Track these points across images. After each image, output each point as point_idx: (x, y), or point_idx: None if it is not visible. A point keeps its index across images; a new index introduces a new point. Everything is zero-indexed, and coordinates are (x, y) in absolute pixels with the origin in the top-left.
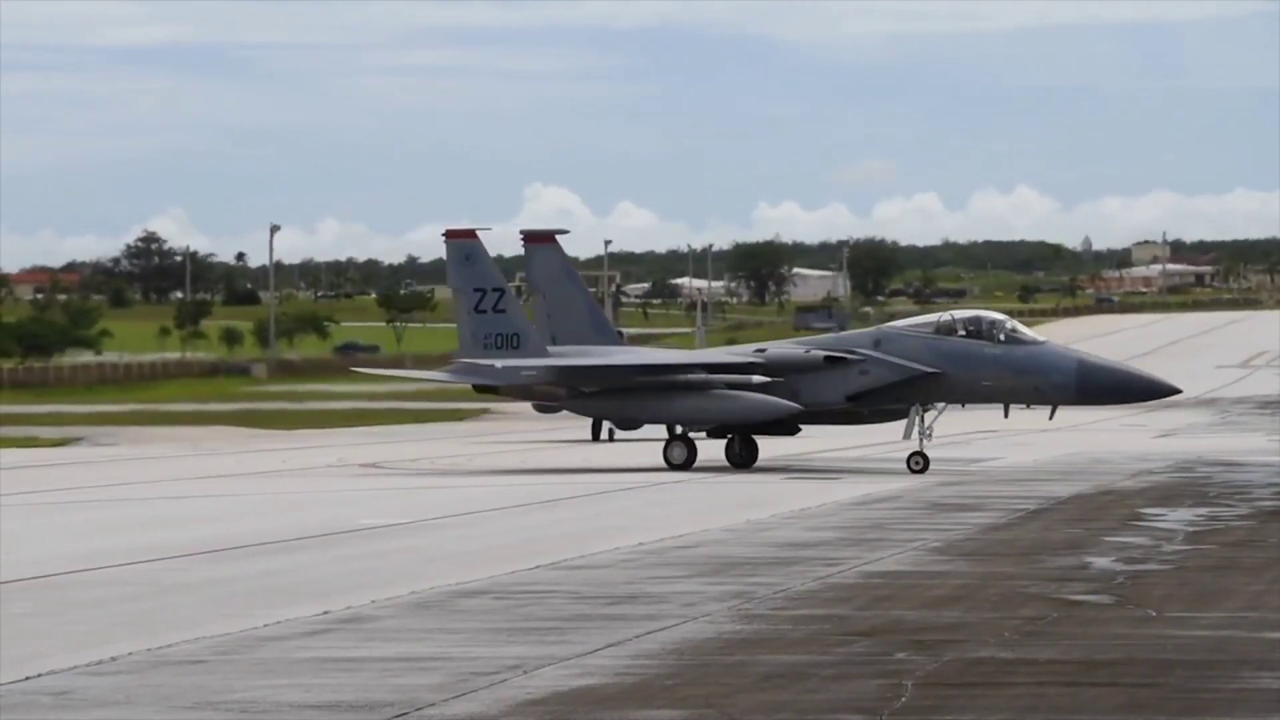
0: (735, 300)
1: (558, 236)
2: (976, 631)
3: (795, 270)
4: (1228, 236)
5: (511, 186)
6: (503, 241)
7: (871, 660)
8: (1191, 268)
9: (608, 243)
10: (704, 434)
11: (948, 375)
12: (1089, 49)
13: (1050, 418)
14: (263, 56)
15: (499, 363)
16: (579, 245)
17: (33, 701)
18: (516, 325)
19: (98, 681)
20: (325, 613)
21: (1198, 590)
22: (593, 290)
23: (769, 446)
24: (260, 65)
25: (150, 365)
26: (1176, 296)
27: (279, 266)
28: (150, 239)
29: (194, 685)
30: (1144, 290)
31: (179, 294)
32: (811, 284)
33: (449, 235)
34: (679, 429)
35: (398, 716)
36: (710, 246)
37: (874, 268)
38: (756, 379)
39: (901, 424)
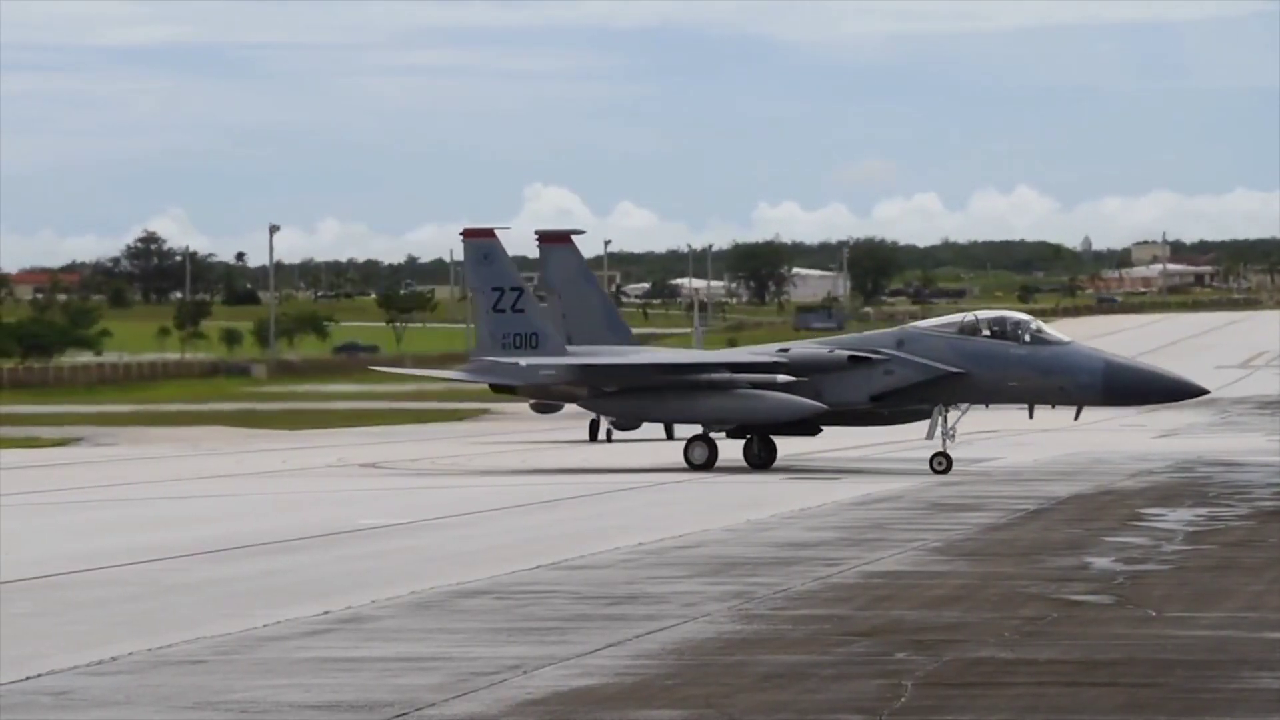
0: (735, 300)
1: (574, 236)
2: (976, 631)
3: (795, 270)
4: (1228, 236)
5: (511, 186)
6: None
7: (871, 660)
8: (1191, 268)
9: (607, 243)
10: (724, 434)
11: (972, 375)
12: (1089, 49)
13: (1075, 418)
14: (263, 56)
15: (523, 361)
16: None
17: (33, 701)
18: (535, 324)
19: (98, 681)
20: (325, 613)
21: (1198, 590)
22: None
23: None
24: (260, 65)
25: (150, 365)
26: (1176, 296)
27: (279, 267)
28: (150, 239)
29: (194, 685)
30: (1144, 290)
31: (179, 294)
32: (811, 284)
33: (466, 235)
34: (700, 428)
35: (398, 716)
36: (710, 246)
37: (874, 268)
38: (782, 378)
39: (918, 425)
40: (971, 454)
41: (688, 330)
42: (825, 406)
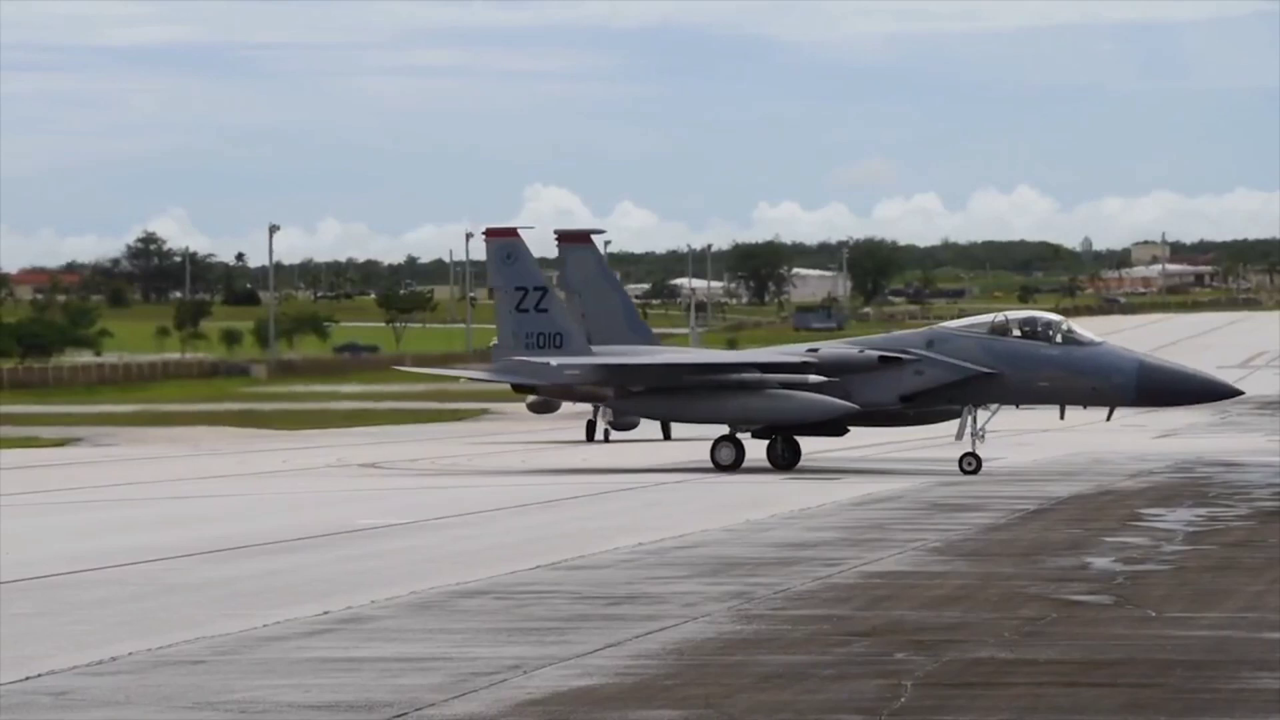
0: (735, 301)
1: (594, 236)
2: (976, 631)
3: (795, 270)
4: (1228, 236)
5: (511, 186)
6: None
7: (871, 660)
8: (1191, 268)
9: (607, 243)
10: (749, 433)
11: (1004, 376)
12: (1089, 49)
13: (1108, 418)
14: (263, 56)
15: (554, 361)
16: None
17: (33, 701)
18: (559, 324)
19: (98, 681)
20: (325, 613)
21: (1197, 590)
22: None
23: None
24: (260, 65)
25: (150, 365)
26: (1176, 297)
27: (279, 267)
28: (150, 239)
29: (194, 685)
30: (1143, 290)
31: (179, 294)
32: (811, 284)
33: (489, 234)
34: (727, 429)
35: (398, 716)
36: (710, 247)
37: (874, 268)
38: (814, 379)
39: (943, 425)
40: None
41: (686, 330)
42: (856, 407)
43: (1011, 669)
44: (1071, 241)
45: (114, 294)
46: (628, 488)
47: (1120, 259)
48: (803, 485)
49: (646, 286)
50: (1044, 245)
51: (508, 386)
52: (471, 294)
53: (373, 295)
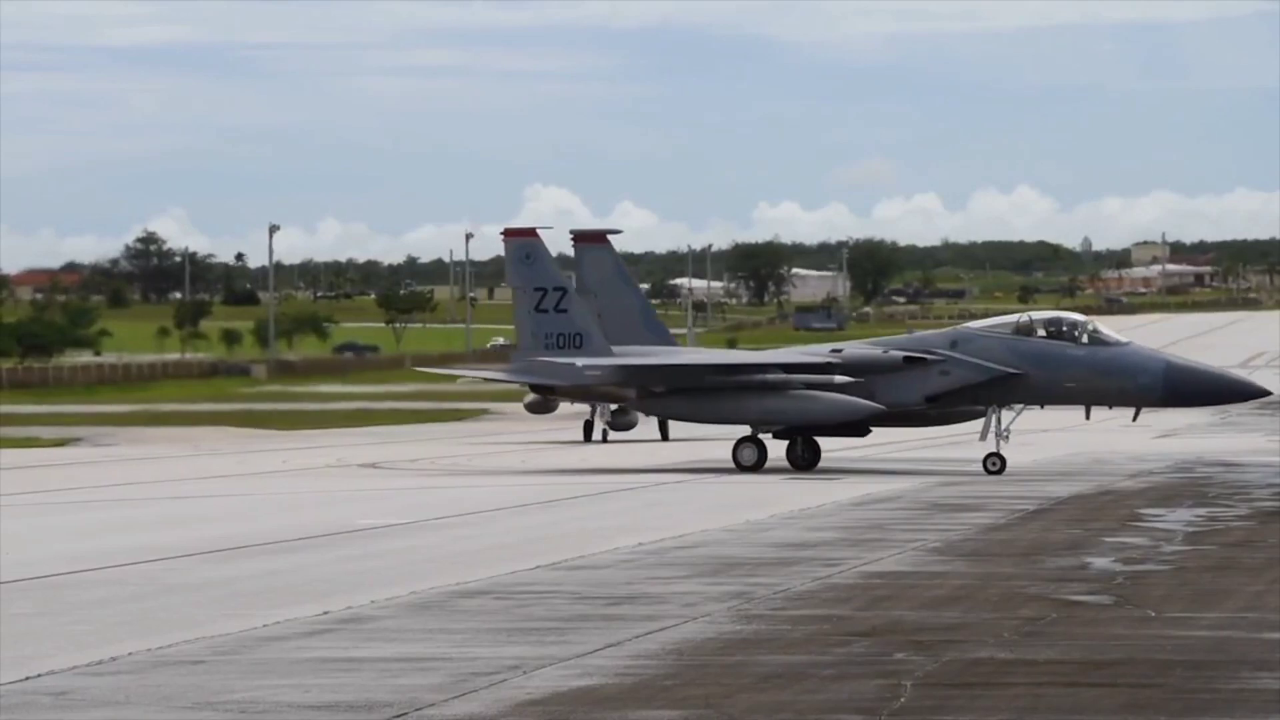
0: (735, 301)
1: (610, 236)
2: (976, 632)
3: (795, 270)
4: (1228, 236)
5: (511, 186)
6: (501, 243)
7: (871, 660)
8: (1191, 268)
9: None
10: (770, 434)
11: (1030, 376)
12: (1090, 49)
13: (1134, 419)
14: (263, 56)
15: (579, 361)
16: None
17: (33, 701)
18: (579, 325)
19: (98, 681)
20: (325, 613)
21: (1197, 590)
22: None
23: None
24: (260, 65)
25: (149, 366)
26: (1176, 297)
27: (278, 267)
28: (150, 239)
29: (194, 685)
30: (1143, 291)
31: (178, 294)
32: (811, 284)
33: (507, 234)
34: (749, 430)
35: (398, 716)
36: (710, 247)
37: (873, 268)
38: (839, 379)
39: (945, 425)
40: (971, 454)
41: (683, 330)
42: (882, 407)
43: (1011, 669)
44: (1071, 241)
45: (114, 294)
46: (628, 488)
47: (1120, 259)
48: (803, 485)
49: (646, 286)
50: (1044, 245)
51: (515, 387)
52: (471, 294)
53: (373, 295)
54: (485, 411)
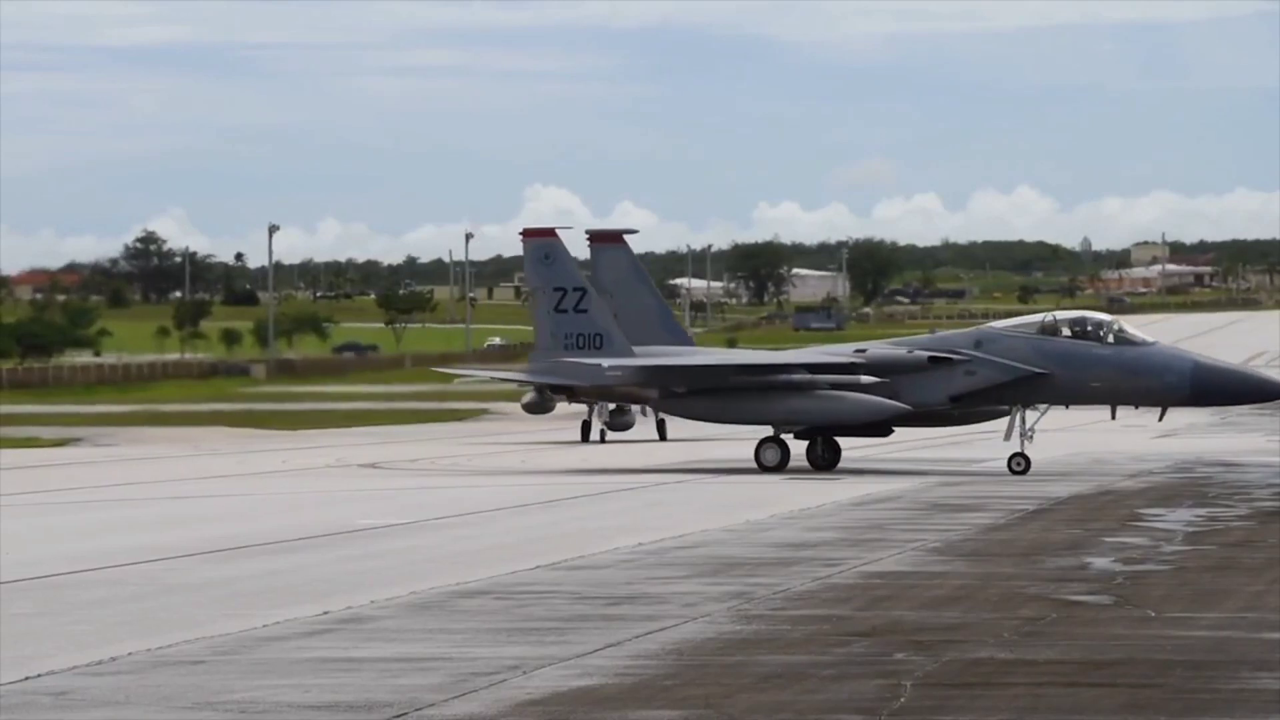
0: (735, 301)
1: (626, 236)
2: (976, 632)
3: (794, 271)
4: (1228, 236)
5: (511, 186)
6: (501, 243)
7: (871, 661)
8: (1191, 268)
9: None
10: (791, 434)
11: (1055, 376)
12: (1090, 49)
13: (1160, 419)
14: (263, 56)
15: (606, 362)
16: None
17: (33, 701)
18: (599, 325)
19: (98, 681)
20: (325, 613)
21: (1197, 590)
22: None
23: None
24: (260, 65)
25: (149, 366)
26: (1175, 297)
27: (278, 267)
28: (149, 239)
29: (194, 685)
30: (1143, 290)
31: (178, 294)
32: (811, 284)
33: (526, 234)
34: (772, 430)
35: (398, 716)
36: (710, 247)
37: (873, 268)
38: (865, 379)
39: (982, 423)
40: (971, 454)
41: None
42: (908, 407)
43: (1011, 669)
44: (1071, 241)
45: (114, 294)
46: (628, 488)
47: (1120, 259)
48: (803, 485)
49: None
50: (1044, 245)
51: (514, 387)
52: (471, 294)
53: (372, 295)
54: (485, 411)
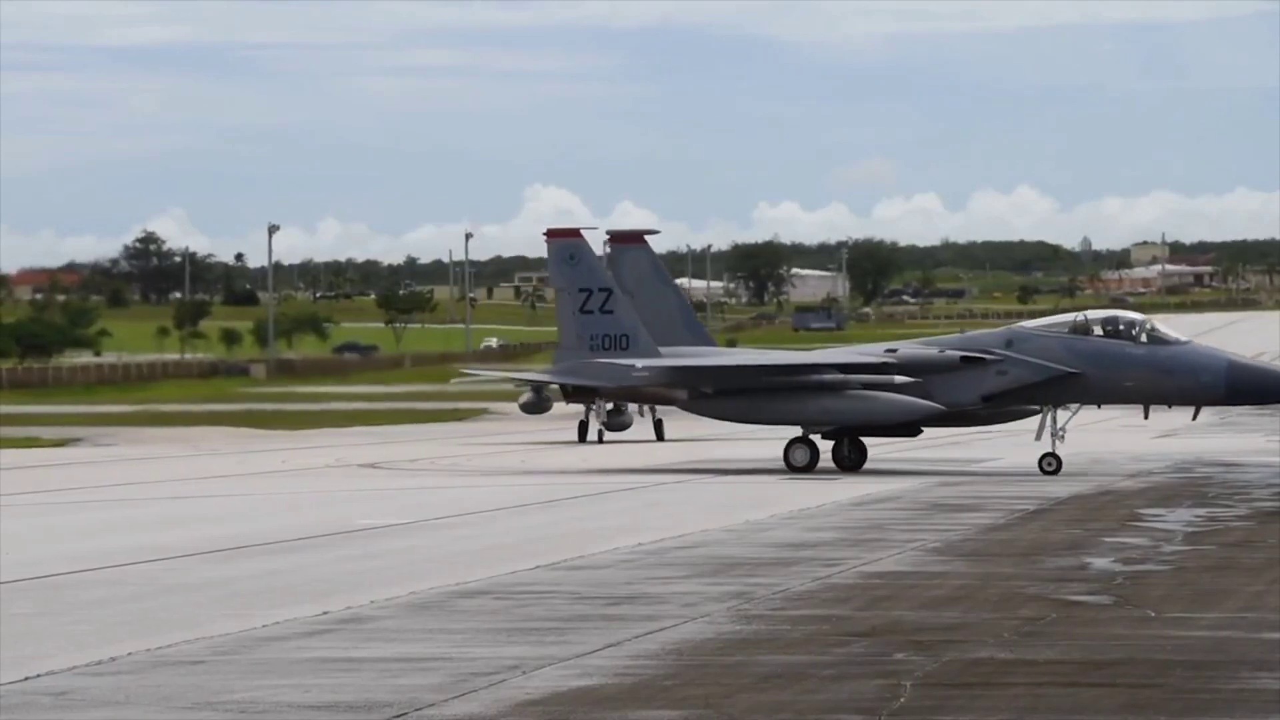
0: (734, 301)
1: (647, 237)
2: (976, 632)
3: (794, 271)
4: (1228, 237)
5: (511, 186)
6: (500, 243)
7: (870, 661)
8: (1190, 268)
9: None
10: (819, 435)
11: (1088, 376)
12: (1090, 49)
13: (1194, 418)
14: (263, 56)
15: (639, 363)
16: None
17: (33, 701)
18: (625, 325)
19: (98, 681)
20: (325, 613)
21: (1197, 590)
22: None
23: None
24: (260, 65)
25: (149, 366)
26: (1175, 297)
27: (278, 267)
28: (149, 239)
29: (194, 685)
30: (1143, 291)
31: (178, 294)
32: (810, 284)
33: (550, 235)
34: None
35: (397, 716)
36: (710, 247)
37: (873, 268)
38: (899, 379)
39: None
40: (971, 454)
41: None
42: (942, 407)
43: (1011, 669)
44: (1071, 242)
45: (113, 294)
46: (627, 488)
47: (1120, 259)
48: (803, 485)
49: None
50: (1044, 245)
51: (511, 387)
52: (471, 294)
53: (372, 295)
54: (485, 411)
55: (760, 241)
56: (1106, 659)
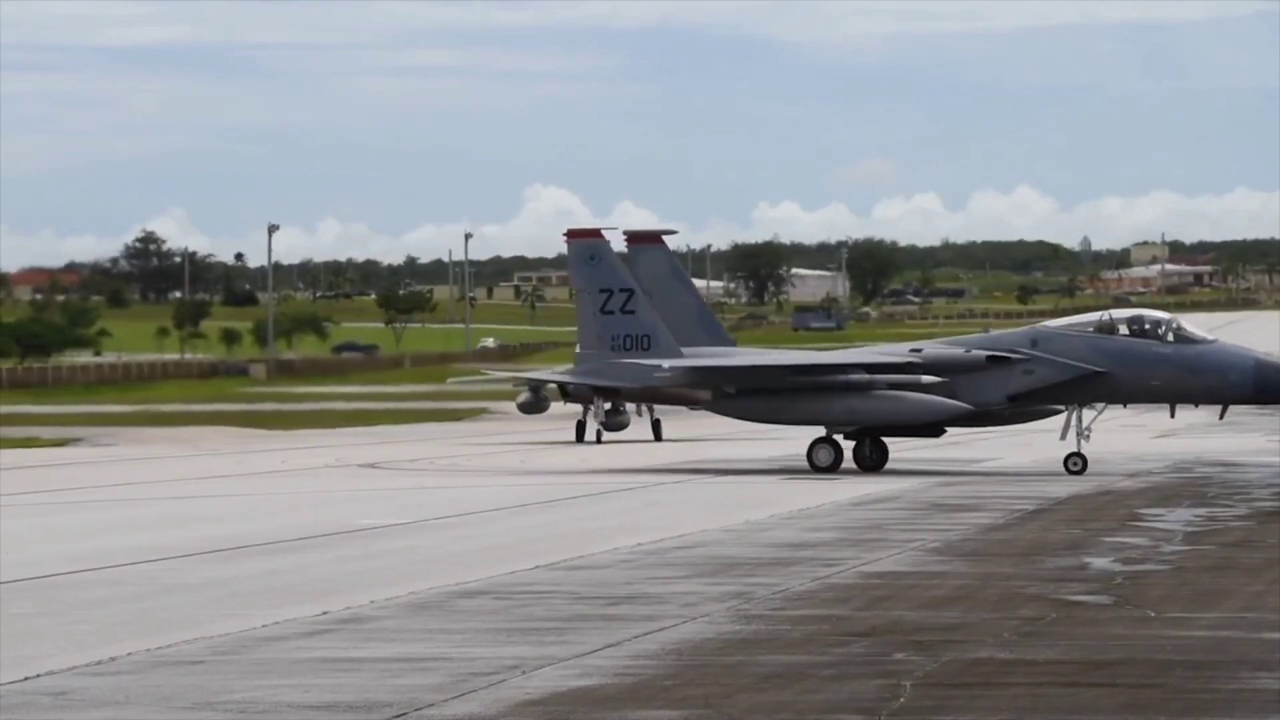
0: (734, 300)
1: (665, 237)
2: (975, 632)
3: (794, 270)
4: (1228, 236)
5: (511, 186)
6: (500, 243)
7: (870, 661)
8: (1190, 268)
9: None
10: (842, 434)
11: (1114, 375)
12: (1090, 49)
13: (1221, 417)
14: (263, 56)
15: (666, 363)
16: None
17: (33, 702)
18: (647, 326)
19: (98, 681)
20: (325, 613)
21: (1196, 590)
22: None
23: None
24: (260, 65)
25: (149, 366)
26: (1175, 297)
27: (278, 267)
28: (149, 239)
29: (194, 685)
30: (1143, 290)
31: (178, 294)
32: (810, 284)
33: (571, 235)
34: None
35: (397, 716)
36: (709, 247)
37: (873, 268)
38: (926, 379)
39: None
40: (971, 454)
41: None
42: (969, 407)
43: (1011, 669)
44: (1071, 241)
45: (113, 294)
46: (627, 488)
47: (1120, 259)
48: (803, 485)
49: None
50: (1043, 245)
51: (509, 387)
52: (471, 294)
53: (372, 295)
54: (484, 411)
55: (760, 241)
56: (1106, 659)
